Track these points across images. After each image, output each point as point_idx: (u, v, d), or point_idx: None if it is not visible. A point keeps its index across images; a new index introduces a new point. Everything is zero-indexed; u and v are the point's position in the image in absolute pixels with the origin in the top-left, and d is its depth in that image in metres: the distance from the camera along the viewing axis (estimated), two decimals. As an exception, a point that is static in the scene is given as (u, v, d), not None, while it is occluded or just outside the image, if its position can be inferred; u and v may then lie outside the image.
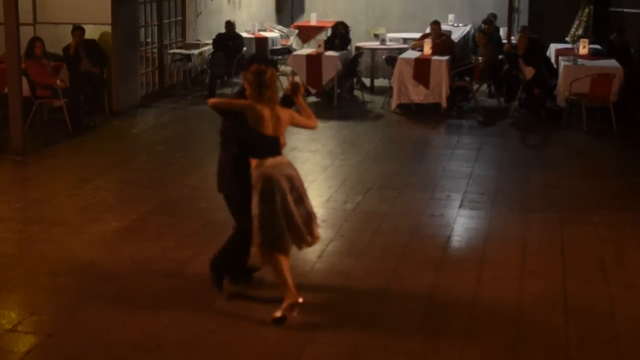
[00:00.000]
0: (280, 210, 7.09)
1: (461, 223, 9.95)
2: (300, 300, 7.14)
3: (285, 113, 7.26)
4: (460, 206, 10.58)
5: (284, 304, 7.14)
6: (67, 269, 8.34)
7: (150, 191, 11.11)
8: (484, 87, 18.78)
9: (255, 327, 7.03)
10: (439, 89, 16.54)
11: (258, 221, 7.12)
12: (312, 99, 17.82)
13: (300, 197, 7.28)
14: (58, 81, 14.55)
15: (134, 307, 7.42)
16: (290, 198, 7.15)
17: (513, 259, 8.73)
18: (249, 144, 7.24)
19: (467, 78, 17.59)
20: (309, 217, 7.31)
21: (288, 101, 7.65)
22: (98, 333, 6.92)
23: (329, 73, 17.37)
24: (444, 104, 16.56)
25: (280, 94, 7.57)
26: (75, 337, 6.85)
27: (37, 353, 6.61)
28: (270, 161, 7.17)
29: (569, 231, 9.64)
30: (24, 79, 13.60)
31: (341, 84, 17.91)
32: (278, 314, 7.11)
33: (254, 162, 7.21)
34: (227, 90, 18.90)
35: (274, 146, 7.24)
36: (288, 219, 7.13)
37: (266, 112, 7.11)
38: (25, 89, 13.83)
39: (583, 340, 6.90)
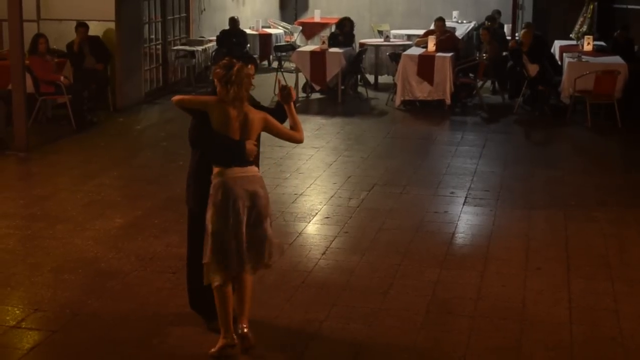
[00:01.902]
0: (231, 229, 6.33)
1: (465, 220, 9.95)
2: (235, 343, 6.44)
3: (257, 115, 6.49)
4: (465, 203, 10.57)
5: (219, 343, 6.47)
6: (71, 265, 8.34)
7: (154, 187, 11.12)
8: (488, 83, 18.77)
9: (259, 323, 7.02)
10: (443, 85, 16.53)
11: (210, 235, 6.38)
12: (316, 95, 17.83)
13: (260, 220, 6.44)
14: (62, 78, 14.54)
15: (138, 304, 7.42)
16: (244, 219, 6.35)
17: (517, 256, 8.72)
18: (210, 148, 6.51)
19: (471, 75, 17.60)
20: (262, 243, 6.46)
21: (281, 110, 6.81)
22: (102, 329, 6.92)
23: (333, 69, 17.37)
24: (448, 100, 16.55)
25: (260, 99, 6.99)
26: (79, 334, 6.86)
27: (41, 349, 6.61)
28: (234, 171, 6.38)
29: (573, 228, 9.63)
30: (27, 76, 13.58)
31: (345, 81, 17.90)
32: (213, 350, 6.47)
33: (215, 170, 6.43)
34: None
35: (239, 153, 6.41)
36: (237, 241, 6.35)
37: (232, 112, 6.37)
38: (29, 86, 13.84)
39: (587, 336, 6.90)
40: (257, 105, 6.76)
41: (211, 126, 6.40)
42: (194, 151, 6.78)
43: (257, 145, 6.63)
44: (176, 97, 6.62)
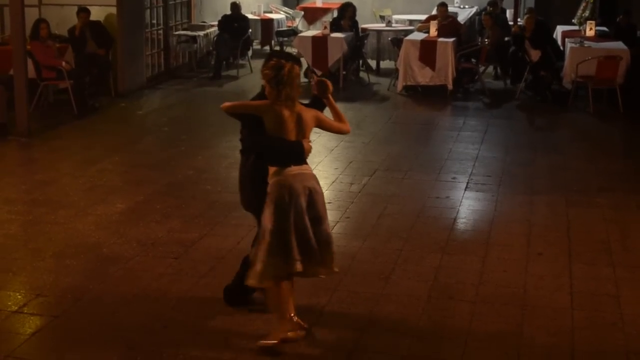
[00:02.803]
0: (293, 227, 6.30)
1: (467, 205, 9.95)
2: (299, 335, 6.41)
3: (309, 114, 6.45)
4: (466, 188, 10.57)
5: (279, 335, 6.39)
6: (73, 250, 8.35)
7: (156, 173, 11.12)
8: (490, 69, 18.77)
9: (260, 309, 7.03)
10: (445, 70, 16.51)
11: (269, 234, 6.31)
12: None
13: (320, 218, 6.44)
14: (63, 63, 14.53)
15: (139, 289, 7.43)
16: (307, 217, 6.34)
17: (519, 241, 8.73)
18: (267, 150, 6.46)
19: (473, 60, 17.58)
20: (327, 244, 6.48)
21: (318, 103, 6.71)
22: (104, 315, 6.93)
23: (334, 55, 17.34)
24: (450, 85, 16.54)
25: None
26: (81, 319, 6.86)
27: (43, 334, 6.62)
28: (292, 169, 6.35)
29: (575, 213, 9.63)
30: (29, 61, 13.59)
31: (347, 66, 17.88)
32: (268, 342, 6.40)
33: (271, 170, 6.40)
34: (233, 72, 18.89)
35: (296, 153, 6.39)
36: (302, 239, 6.32)
37: (285, 113, 6.32)
38: (31, 71, 13.85)
39: (588, 322, 6.90)
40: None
41: (265, 130, 6.35)
42: (245, 156, 6.71)
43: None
44: (226, 104, 6.45)
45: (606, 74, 15.39)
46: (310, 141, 6.47)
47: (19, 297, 7.26)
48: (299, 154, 6.38)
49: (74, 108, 14.46)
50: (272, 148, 6.41)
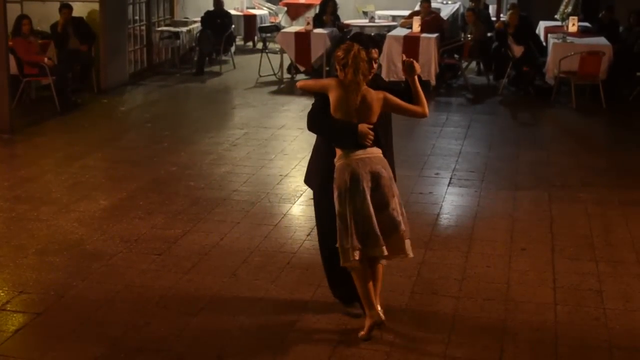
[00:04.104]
0: (357, 212, 6.30)
1: (450, 201, 9.96)
2: (380, 319, 6.50)
3: (375, 96, 6.39)
4: (449, 184, 10.59)
5: (366, 323, 6.53)
6: (56, 247, 8.32)
7: (139, 169, 11.09)
8: (473, 64, 18.80)
9: (244, 305, 7.03)
10: (428, 66, 16.52)
11: (337, 217, 6.36)
12: (302, 76, 17.81)
13: (386, 201, 6.40)
14: (46, 59, 14.49)
15: (123, 285, 7.41)
16: (370, 201, 6.31)
17: (502, 237, 8.74)
18: (324, 131, 6.56)
19: (456, 55, 17.59)
20: (395, 226, 6.44)
21: (408, 86, 6.60)
22: (87, 311, 6.91)
23: (317, 50, 17.36)
24: (433, 81, 16.56)
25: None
26: (64, 316, 6.84)
27: (26, 332, 6.60)
28: (356, 153, 6.35)
29: (558, 208, 9.65)
30: (11, 57, 13.55)
31: (330, 62, 17.87)
32: (362, 333, 6.53)
33: (338, 153, 6.42)
34: (216, 68, 18.88)
35: (348, 134, 6.35)
36: (364, 226, 6.32)
37: (349, 95, 6.32)
38: (13, 67, 13.81)
39: (571, 317, 6.92)
40: (384, 86, 6.64)
41: (329, 110, 6.39)
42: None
43: (385, 126, 6.63)
44: (300, 82, 6.72)
45: (589, 69, 15.44)
46: (370, 126, 6.35)
47: (2, 294, 7.23)
48: (352, 136, 6.32)
49: (57, 104, 14.42)
50: (326, 127, 6.47)
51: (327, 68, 17.52)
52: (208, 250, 8.24)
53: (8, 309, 6.96)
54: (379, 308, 6.52)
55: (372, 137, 6.34)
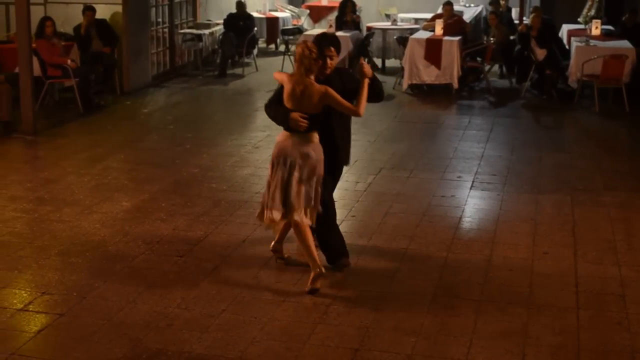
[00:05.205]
0: (280, 182, 7.37)
1: (472, 204, 9.94)
2: (323, 272, 7.42)
3: (316, 89, 7.26)
4: (472, 187, 10.57)
5: (310, 276, 7.43)
6: (78, 248, 8.35)
7: (161, 171, 11.12)
8: (496, 67, 18.76)
9: (266, 307, 7.04)
10: (451, 69, 16.52)
11: (266, 184, 7.53)
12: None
13: (306, 179, 7.37)
14: (69, 61, 14.54)
15: (145, 287, 7.43)
16: (296, 175, 7.33)
17: (524, 240, 8.72)
18: (271, 116, 7.62)
19: (478, 59, 17.58)
20: (308, 199, 7.41)
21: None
22: (109, 312, 6.93)
23: (340, 53, 17.31)
24: (456, 84, 16.54)
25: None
26: (86, 317, 6.87)
27: (48, 332, 6.63)
28: (292, 135, 7.38)
29: (580, 212, 9.62)
30: (34, 59, 13.61)
31: (352, 65, 17.87)
32: (308, 286, 7.40)
33: (282, 132, 7.50)
34: (239, 71, 18.92)
35: (281, 120, 7.46)
36: (285, 193, 7.38)
37: (293, 86, 7.29)
38: (36, 69, 13.86)
39: (594, 321, 6.89)
40: (349, 82, 7.60)
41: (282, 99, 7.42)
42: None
43: (341, 115, 7.54)
44: (275, 73, 7.67)
45: (612, 73, 15.37)
46: (304, 115, 7.27)
47: (25, 295, 7.27)
48: (283, 122, 7.41)
49: (79, 106, 14.49)
50: (272, 113, 7.57)
51: (350, 70, 17.47)
52: (230, 252, 8.26)
53: (31, 309, 6.99)
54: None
55: (304, 124, 7.26)
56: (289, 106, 7.33)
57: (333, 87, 7.33)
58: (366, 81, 7.44)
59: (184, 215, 9.35)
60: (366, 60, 18.86)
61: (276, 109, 7.48)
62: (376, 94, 7.73)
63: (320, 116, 7.33)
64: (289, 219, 7.44)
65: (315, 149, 7.39)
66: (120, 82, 16.33)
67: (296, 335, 6.57)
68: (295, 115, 7.27)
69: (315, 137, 7.40)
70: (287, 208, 7.38)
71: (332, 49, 7.49)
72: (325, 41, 7.49)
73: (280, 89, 7.50)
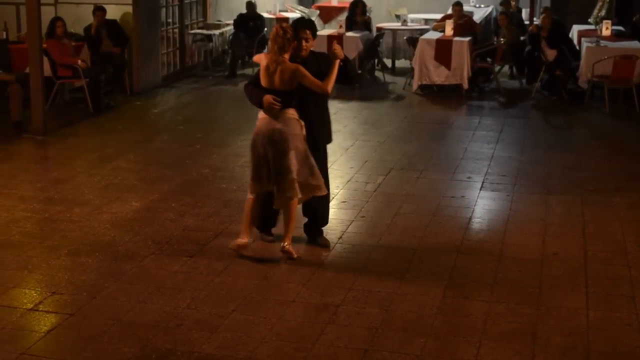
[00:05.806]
0: (257, 158, 7.99)
1: (482, 205, 9.93)
2: (245, 244, 8.13)
3: (288, 68, 7.78)
4: (482, 188, 10.56)
5: (236, 241, 8.19)
6: (88, 248, 8.37)
7: (171, 171, 11.13)
8: (506, 68, 18.75)
9: (275, 307, 7.04)
10: (461, 70, 16.51)
11: (250, 161, 8.18)
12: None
13: (281, 154, 7.84)
14: (79, 61, 14.57)
15: (154, 287, 7.44)
16: (270, 150, 7.87)
17: (534, 241, 8.70)
18: (250, 97, 8.13)
19: (488, 59, 17.56)
20: (281, 171, 7.87)
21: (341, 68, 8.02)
22: (119, 312, 6.94)
23: (350, 54, 17.31)
24: (466, 85, 16.53)
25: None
26: (96, 317, 6.88)
27: (58, 332, 6.64)
28: (266, 114, 7.96)
29: (590, 213, 9.60)
30: (45, 59, 13.64)
31: (362, 65, 17.88)
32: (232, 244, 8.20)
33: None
34: (249, 71, 18.91)
35: (254, 100, 7.99)
36: (263, 168, 7.97)
37: (267, 65, 7.83)
38: (47, 69, 13.89)
39: (603, 322, 6.88)
40: (325, 63, 8.02)
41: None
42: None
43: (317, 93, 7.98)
44: (255, 56, 8.47)
45: (622, 73, 15.34)
46: (275, 97, 7.79)
47: (35, 295, 7.29)
48: (257, 103, 7.94)
49: (90, 106, 14.52)
50: (249, 94, 8.09)
51: (360, 71, 17.51)
52: (239, 253, 8.26)
53: (41, 309, 7.01)
54: (286, 243, 8.04)
55: (276, 104, 7.80)
56: (263, 83, 7.86)
57: (309, 69, 7.85)
58: (337, 62, 7.94)
59: (193, 216, 9.36)
60: (376, 61, 18.92)
61: (252, 89, 8.04)
62: (349, 76, 8.29)
63: (293, 93, 7.85)
64: (278, 196, 7.99)
65: (288, 124, 7.88)
66: (130, 83, 16.36)
67: (305, 336, 6.57)
68: (268, 97, 7.81)
69: (289, 112, 7.90)
70: (277, 185, 7.94)
71: (308, 31, 7.99)
72: (301, 24, 8.06)
73: (259, 71, 8.00)
